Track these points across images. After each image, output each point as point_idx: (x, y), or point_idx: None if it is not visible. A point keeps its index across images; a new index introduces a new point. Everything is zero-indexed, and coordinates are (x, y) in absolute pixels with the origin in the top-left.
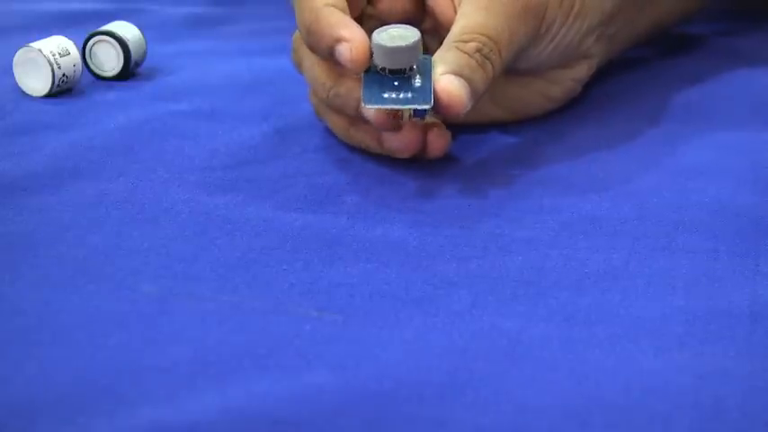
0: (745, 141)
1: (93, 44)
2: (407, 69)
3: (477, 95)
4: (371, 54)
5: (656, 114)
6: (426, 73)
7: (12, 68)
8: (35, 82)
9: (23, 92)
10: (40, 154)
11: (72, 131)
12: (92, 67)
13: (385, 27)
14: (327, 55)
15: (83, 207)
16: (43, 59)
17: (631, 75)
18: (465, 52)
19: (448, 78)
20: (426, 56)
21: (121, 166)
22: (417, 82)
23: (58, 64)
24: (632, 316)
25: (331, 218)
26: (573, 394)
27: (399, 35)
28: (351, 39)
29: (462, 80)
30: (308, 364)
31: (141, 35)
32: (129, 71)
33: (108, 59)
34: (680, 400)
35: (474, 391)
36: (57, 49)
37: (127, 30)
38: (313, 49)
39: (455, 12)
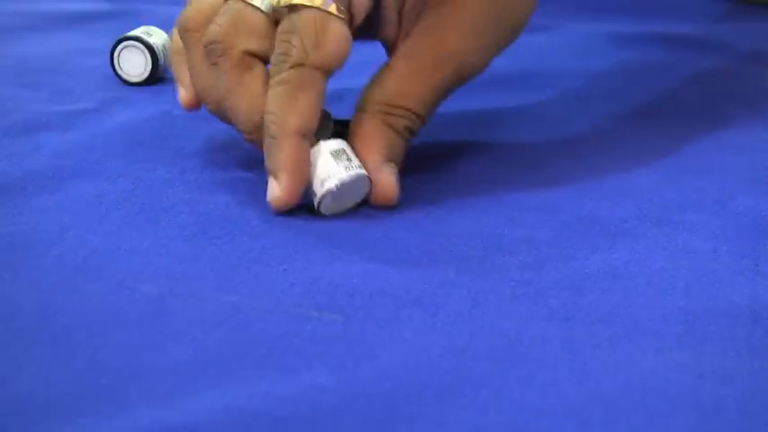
0: (745, 141)
1: (122, 49)
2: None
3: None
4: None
5: (657, 114)
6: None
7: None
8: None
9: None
10: (40, 154)
11: (72, 131)
12: (119, 72)
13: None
14: None
15: (83, 207)
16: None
17: (631, 75)
18: (394, 129)
19: (386, 176)
20: None
21: (121, 166)
22: None
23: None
24: (632, 316)
25: (331, 218)
26: (573, 394)
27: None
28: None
29: (394, 167)
30: (308, 364)
31: (169, 39)
32: (158, 76)
33: (136, 65)
34: (680, 400)
35: (474, 391)
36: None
37: (157, 35)
38: None
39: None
